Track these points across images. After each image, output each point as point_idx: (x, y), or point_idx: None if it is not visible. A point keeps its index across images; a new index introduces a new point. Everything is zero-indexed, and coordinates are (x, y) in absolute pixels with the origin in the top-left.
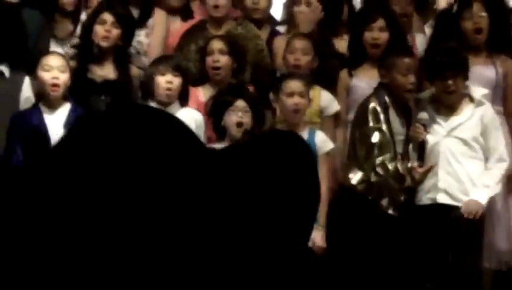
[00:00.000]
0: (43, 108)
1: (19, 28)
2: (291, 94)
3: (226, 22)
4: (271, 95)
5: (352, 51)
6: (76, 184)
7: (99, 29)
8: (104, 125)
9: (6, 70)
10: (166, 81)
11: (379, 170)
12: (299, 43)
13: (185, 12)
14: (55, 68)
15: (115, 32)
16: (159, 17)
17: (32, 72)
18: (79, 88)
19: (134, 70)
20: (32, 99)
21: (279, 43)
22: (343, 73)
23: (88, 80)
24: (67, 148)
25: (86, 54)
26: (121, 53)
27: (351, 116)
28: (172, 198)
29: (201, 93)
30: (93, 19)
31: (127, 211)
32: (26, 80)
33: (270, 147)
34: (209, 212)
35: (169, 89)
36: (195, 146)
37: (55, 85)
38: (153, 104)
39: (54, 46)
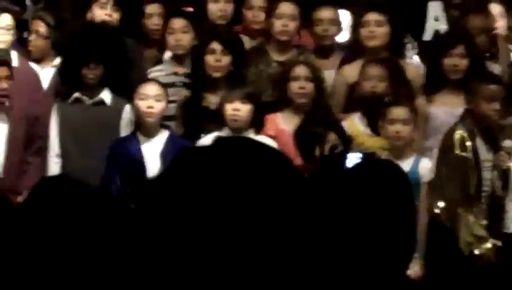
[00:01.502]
0: (140, 136)
1: (121, 53)
2: (393, 121)
3: (288, 49)
4: (379, 122)
5: (430, 78)
6: (178, 216)
7: (209, 59)
8: (204, 158)
9: (108, 97)
10: (233, 108)
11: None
12: (374, 70)
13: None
14: (151, 97)
15: (225, 60)
16: None
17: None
18: (193, 116)
19: None
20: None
21: (347, 72)
22: (421, 100)
23: (202, 107)
24: (168, 181)
25: (198, 82)
26: (234, 79)
27: (430, 143)
28: (277, 227)
29: (281, 120)
30: (202, 48)
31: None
32: (127, 108)
33: (369, 176)
34: (308, 239)
35: (235, 116)
36: (294, 177)
37: (149, 113)
38: (226, 131)
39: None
